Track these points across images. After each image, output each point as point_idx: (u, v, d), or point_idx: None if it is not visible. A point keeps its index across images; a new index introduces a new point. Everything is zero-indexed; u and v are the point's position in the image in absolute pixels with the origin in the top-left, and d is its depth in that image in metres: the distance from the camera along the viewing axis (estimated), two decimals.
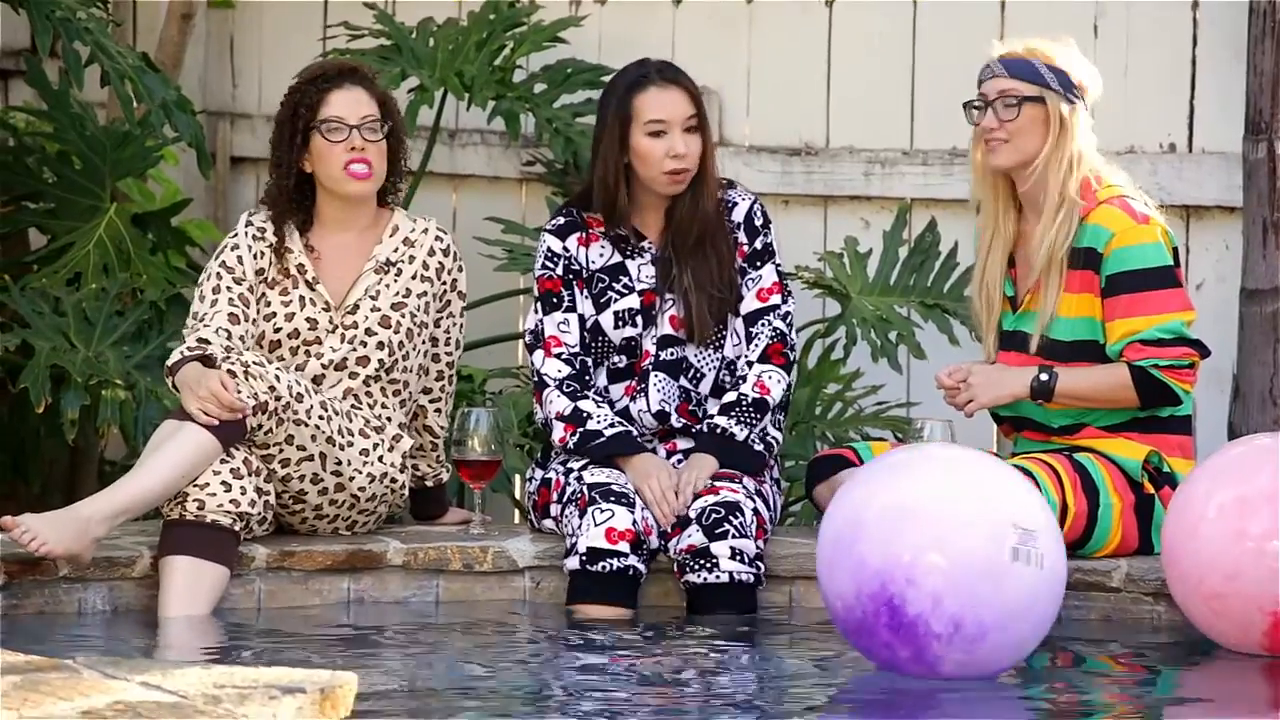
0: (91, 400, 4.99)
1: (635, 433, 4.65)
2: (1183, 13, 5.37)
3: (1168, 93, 5.37)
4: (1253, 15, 5.20)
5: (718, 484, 4.56)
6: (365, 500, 4.65)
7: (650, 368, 4.71)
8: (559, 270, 4.73)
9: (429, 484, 4.88)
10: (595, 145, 4.72)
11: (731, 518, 4.48)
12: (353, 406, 4.67)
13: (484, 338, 5.61)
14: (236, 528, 4.44)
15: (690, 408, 4.73)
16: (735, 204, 4.75)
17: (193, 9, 5.80)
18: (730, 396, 4.68)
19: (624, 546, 4.46)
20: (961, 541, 3.79)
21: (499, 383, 5.58)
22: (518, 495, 5.42)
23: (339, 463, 4.57)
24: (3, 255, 5.70)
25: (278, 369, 4.49)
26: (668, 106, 4.62)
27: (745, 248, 4.73)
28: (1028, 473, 4.48)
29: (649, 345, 4.72)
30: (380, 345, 4.69)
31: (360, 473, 4.61)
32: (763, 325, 4.69)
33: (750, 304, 4.71)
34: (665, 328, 4.71)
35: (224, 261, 4.66)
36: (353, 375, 4.69)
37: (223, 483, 4.42)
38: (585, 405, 4.64)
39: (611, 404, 4.71)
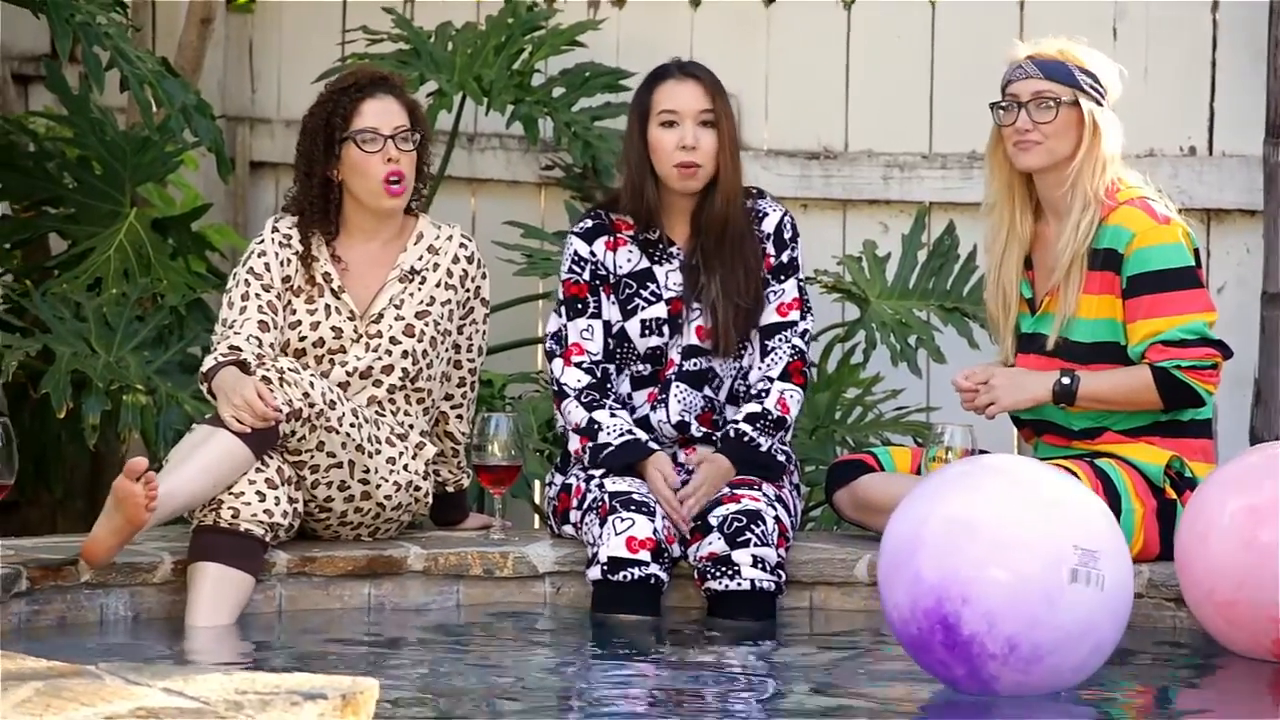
0: (112, 405, 5.00)
1: (645, 438, 4.63)
2: (1202, 14, 5.36)
3: (1188, 95, 5.36)
4: (1273, 16, 5.19)
5: (739, 492, 4.55)
6: (390, 509, 4.66)
7: (673, 377, 4.70)
8: (585, 275, 4.72)
9: (450, 490, 4.88)
10: (623, 146, 4.73)
11: (753, 525, 4.47)
12: (377, 414, 4.67)
13: (503, 342, 5.61)
14: (267, 538, 4.45)
15: (713, 417, 4.73)
16: (766, 214, 4.73)
17: (212, 13, 5.81)
18: (754, 408, 4.66)
19: (645, 555, 4.46)
20: (1019, 561, 3.71)
21: (518, 387, 5.58)
22: (537, 500, 5.42)
23: (367, 470, 4.58)
24: (23, 261, 5.72)
25: (312, 375, 4.50)
26: (680, 98, 4.61)
27: (771, 259, 4.71)
28: None
29: (674, 354, 4.71)
30: (405, 354, 4.69)
31: (386, 480, 4.62)
32: (782, 341, 4.68)
33: (769, 317, 4.69)
34: (691, 338, 4.70)
35: (252, 268, 4.67)
36: (377, 383, 4.69)
37: (257, 492, 4.43)
38: (599, 415, 4.64)
39: (633, 410, 4.71)
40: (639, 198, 4.65)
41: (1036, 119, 4.56)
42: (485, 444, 4.71)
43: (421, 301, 4.72)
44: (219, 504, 4.42)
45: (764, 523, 4.49)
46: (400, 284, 4.72)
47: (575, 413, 4.65)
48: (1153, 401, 4.54)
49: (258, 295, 4.63)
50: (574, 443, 4.67)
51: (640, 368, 4.72)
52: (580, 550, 4.66)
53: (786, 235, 4.72)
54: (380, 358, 4.69)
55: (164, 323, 5.25)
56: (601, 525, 4.49)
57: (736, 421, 4.65)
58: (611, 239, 4.72)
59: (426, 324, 4.72)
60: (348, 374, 4.68)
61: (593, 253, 4.72)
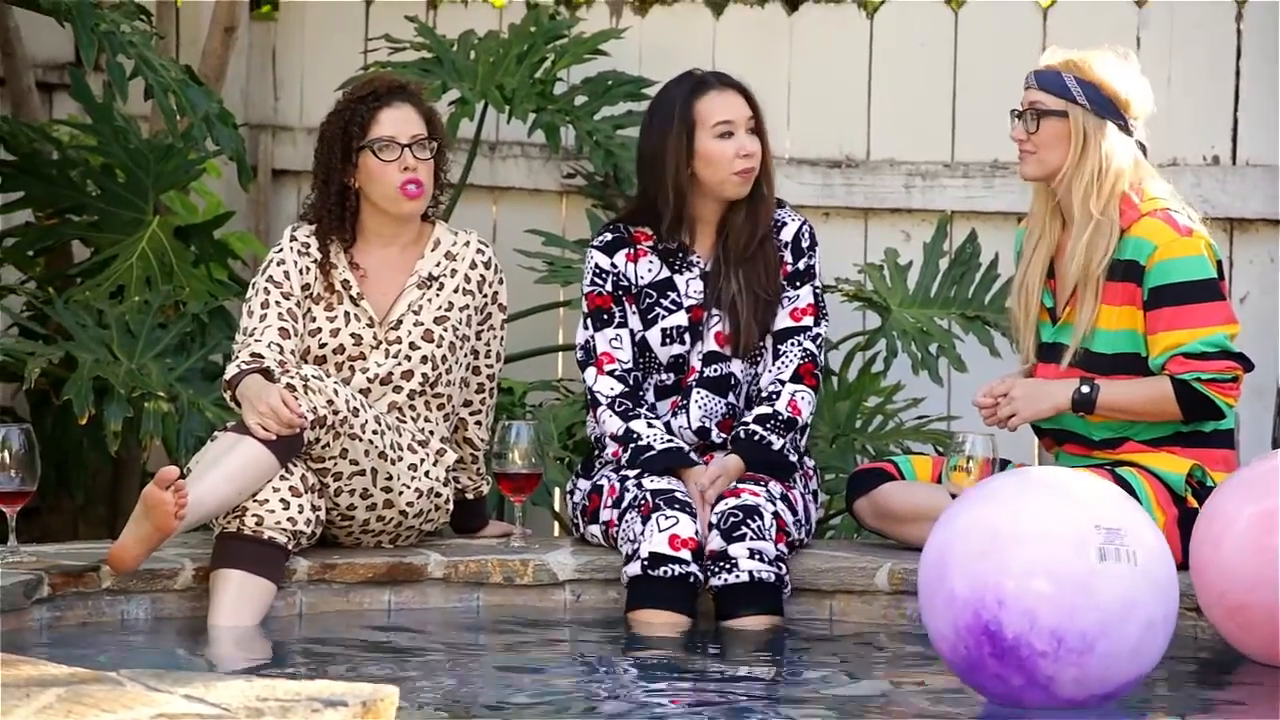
0: (134, 412, 5.01)
1: (686, 448, 4.66)
2: (1226, 23, 5.35)
3: (1211, 104, 5.35)
4: None
5: (740, 486, 4.58)
6: (412, 516, 4.66)
7: (695, 384, 4.72)
8: (608, 286, 4.74)
9: (469, 496, 4.88)
10: (651, 158, 4.70)
11: (750, 520, 4.50)
12: (398, 420, 4.68)
13: (524, 350, 5.61)
14: (290, 546, 4.46)
15: (733, 424, 4.74)
16: (785, 223, 4.77)
17: (236, 21, 5.82)
18: (764, 409, 4.68)
19: (686, 554, 4.48)
20: (1044, 552, 3.67)
21: (539, 395, 5.59)
22: (557, 508, 5.42)
23: (389, 477, 4.58)
24: (46, 268, 5.73)
25: (336, 382, 4.51)
26: (733, 108, 4.68)
27: (789, 266, 4.74)
28: None
29: (695, 362, 4.73)
30: (424, 359, 4.70)
31: (409, 488, 4.62)
32: (793, 345, 4.71)
33: (783, 321, 4.73)
34: (711, 344, 4.72)
35: (271, 277, 4.68)
36: (397, 389, 4.70)
37: (281, 500, 4.44)
38: (637, 426, 4.66)
39: (658, 418, 4.73)
40: (680, 206, 4.68)
41: (1027, 130, 4.57)
42: (506, 452, 4.71)
43: (440, 307, 4.73)
44: (243, 511, 4.43)
45: (761, 517, 4.50)
46: (418, 290, 4.73)
47: (610, 421, 4.68)
48: (1172, 413, 4.53)
49: (278, 303, 4.64)
50: (609, 449, 4.69)
51: (663, 377, 4.75)
52: (601, 558, 4.66)
53: (804, 244, 4.75)
54: (400, 364, 4.70)
55: (186, 330, 5.26)
56: (644, 522, 4.50)
57: (747, 423, 4.67)
58: (632, 250, 4.75)
59: (445, 329, 4.72)
60: (368, 380, 4.69)
61: (614, 265, 4.75)
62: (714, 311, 4.71)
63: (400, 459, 4.61)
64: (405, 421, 4.70)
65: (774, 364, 4.71)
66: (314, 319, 4.69)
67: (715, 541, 4.50)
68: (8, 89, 5.99)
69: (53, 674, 3.12)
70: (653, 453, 4.63)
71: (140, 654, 4.22)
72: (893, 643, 4.44)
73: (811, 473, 4.79)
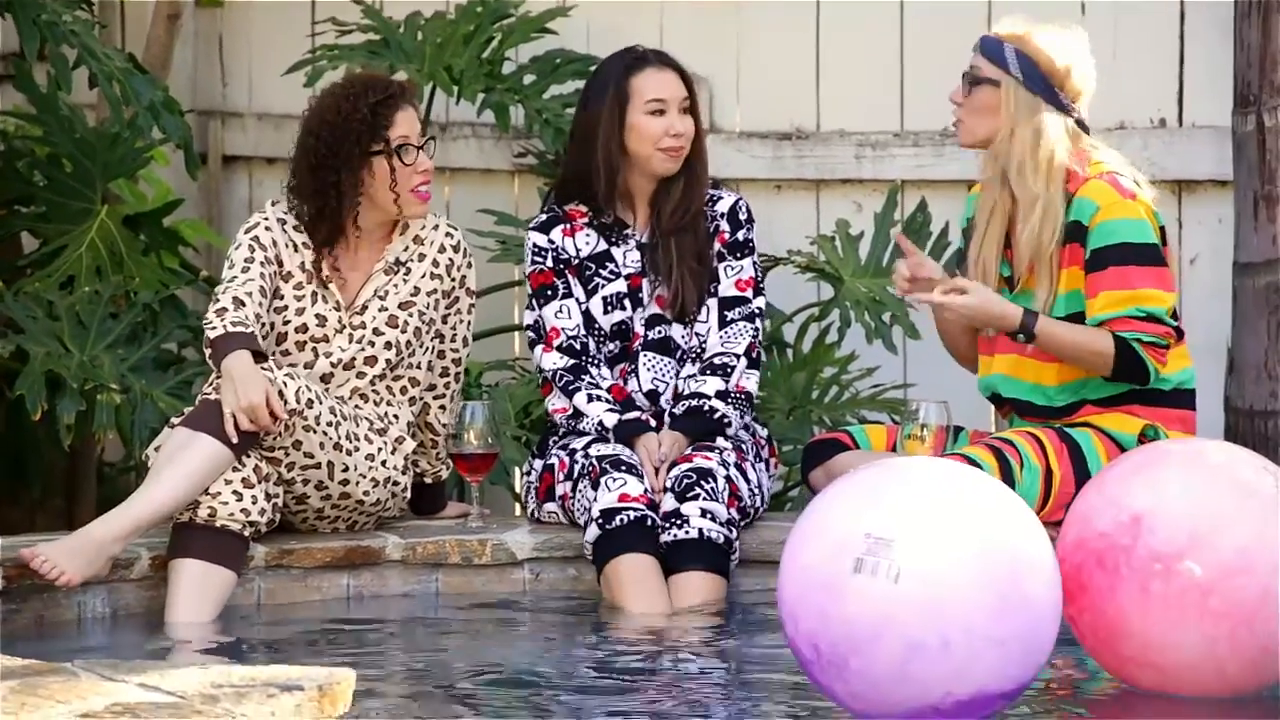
0: (87, 405, 4.99)
1: (636, 416, 4.68)
2: None
3: (1156, 68, 5.36)
4: None
5: (693, 452, 4.62)
6: (369, 505, 4.65)
7: (640, 348, 4.74)
8: (548, 262, 4.77)
9: (428, 481, 4.87)
10: (586, 130, 4.73)
11: (703, 482, 4.54)
12: (357, 406, 4.66)
13: (479, 330, 5.60)
14: (246, 534, 4.44)
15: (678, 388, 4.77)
16: (721, 198, 4.82)
17: (179, 9, 5.79)
18: (720, 385, 4.69)
19: (639, 505, 4.50)
20: (805, 551, 3.39)
21: (495, 375, 5.58)
22: (517, 488, 5.42)
23: (345, 469, 4.57)
24: None
25: (287, 373, 4.48)
26: (668, 86, 4.72)
27: (726, 235, 4.78)
28: (1008, 442, 4.48)
29: (638, 327, 4.76)
30: (388, 345, 4.69)
31: (365, 478, 4.60)
32: (743, 321, 4.74)
33: (729, 290, 4.76)
34: (652, 308, 4.77)
35: (256, 237, 4.63)
36: (360, 375, 4.68)
37: (234, 492, 4.42)
38: (580, 401, 4.70)
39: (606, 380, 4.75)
40: (612, 179, 4.71)
41: (964, 93, 4.57)
42: (461, 432, 4.70)
43: (406, 292, 4.71)
44: (196, 504, 4.41)
45: (714, 480, 4.54)
46: (385, 275, 4.71)
47: (557, 400, 4.72)
48: (1102, 366, 4.53)
49: (261, 263, 4.60)
50: (562, 429, 4.72)
51: (610, 346, 4.76)
52: (559, 535, 4.67)
53: (741, 216, 4.80)
54: (364, 349, 4.68)
55: (137, 319, 5.24)
56: (595, 487, 4.53)
57: (704, 395, 4.66)
58: (568, 226, 4.78)
59: (410, 314, 4.71)
60: (331, 365, 4.67)
61: (551, 240, 4.78)
62: (654, 277, 4.74)
63: (357, 449, 4.59)
64: (365, 406, 4.68)
65: (720, 331, 4.73)
66: (281, 296, 4.67)
67: (669, 502, 4.54)
68: None
69: (6, 666, 3.11)
70: (606, 431, 4.66)
71: (97, 645, 4.21)
72: None
73: (764, 443, 4.81)
